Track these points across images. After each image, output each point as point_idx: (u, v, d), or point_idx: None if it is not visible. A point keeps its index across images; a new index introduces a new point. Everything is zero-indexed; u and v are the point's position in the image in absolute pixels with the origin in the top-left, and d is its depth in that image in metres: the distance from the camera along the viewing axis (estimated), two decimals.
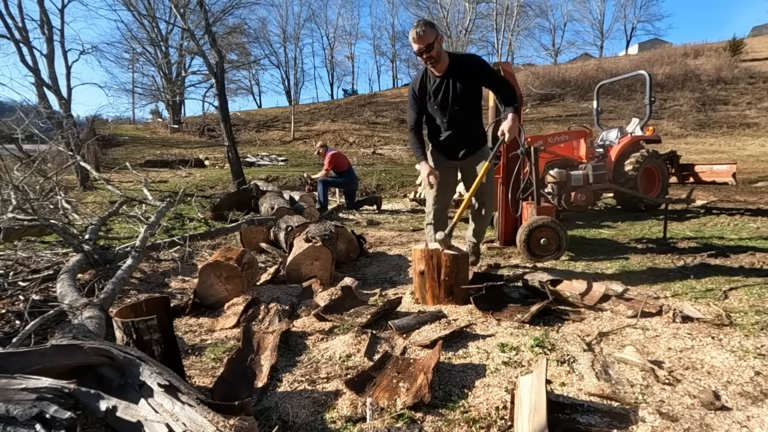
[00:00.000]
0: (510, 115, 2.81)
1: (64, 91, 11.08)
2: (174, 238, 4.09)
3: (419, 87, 2.99)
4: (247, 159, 15.45)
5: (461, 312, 2.48)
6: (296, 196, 7.07)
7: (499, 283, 2.71)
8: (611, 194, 6.51)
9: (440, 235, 2.68)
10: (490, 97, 4.32)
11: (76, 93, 57.25)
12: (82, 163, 7.99)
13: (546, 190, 5.21)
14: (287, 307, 2.62)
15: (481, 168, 2.94)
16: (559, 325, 2.28)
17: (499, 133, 2.84)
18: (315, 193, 7.85)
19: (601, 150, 6.35)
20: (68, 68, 11.76)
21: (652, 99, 6.40)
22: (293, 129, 23.02)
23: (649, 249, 4.02)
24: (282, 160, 16.37)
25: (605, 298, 2.58)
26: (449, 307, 2.57)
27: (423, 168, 2.99)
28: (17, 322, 2.44)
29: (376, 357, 1.95)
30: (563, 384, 1.71)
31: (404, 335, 2.20)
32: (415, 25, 2.76)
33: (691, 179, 7.01)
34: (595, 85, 7.98)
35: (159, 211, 5.02)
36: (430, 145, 3.20)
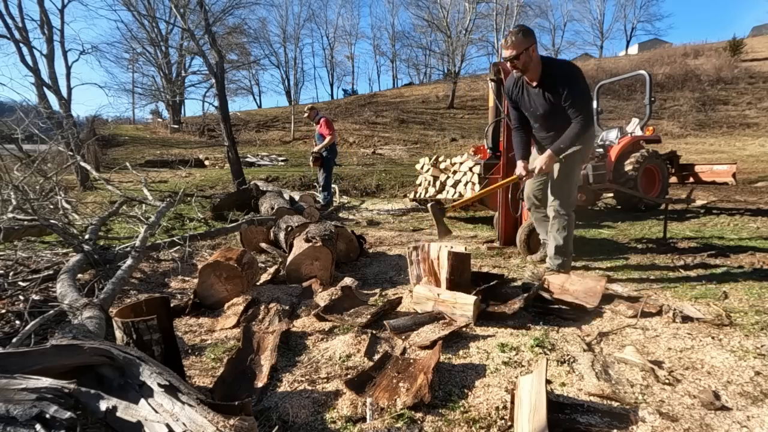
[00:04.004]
0: (548, 152, 2.81)
1: (64, 91, 11.08)
2: (174, 238, 4.09)
3: (512, 88, 2.97)
4: (247, 159, 15.44)
5: None
6: (296, 196, 7.07)
7: (497, 282, 2.71)
8: (611, 194, 6.51)
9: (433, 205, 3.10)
10: (490, 97, 4.32)
11: (76, 93, 57.30)
12: (82, 163, 7.99)
13: None
14: (287, 307, 2.62)
15: (560, 165, 2.94)
16: (559, 325, 2.28)
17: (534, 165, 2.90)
18: (315, 193, 7.81)
19: (601, 150, 6.35)
20: (68, 68, 11.78)
21: (652, 99, 6.40)
22: (293, 129, 23.02)
23: (649, 249, 4.02)
24: (282, 160, 16.37)
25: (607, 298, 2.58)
26: None
27: (517, 167, 3.03)
28: (17, 322, 2.44)
29: (376, 357, 1.95)
30: (563, 384, 1.71)
31: (403, 336, 2.20)
32: (510, 32, 2.72)
33: (691, 179, 7.02)
34: (595, 85, 7.98)
35: (159, 211, 5.02)
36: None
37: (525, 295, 2.40)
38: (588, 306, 2.43)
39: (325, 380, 1.82)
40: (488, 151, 5.56)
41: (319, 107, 7.87)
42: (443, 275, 2.61)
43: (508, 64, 2.75)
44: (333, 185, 8.46)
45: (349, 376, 1.78)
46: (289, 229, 4.01)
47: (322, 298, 2.75)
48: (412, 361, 1.85)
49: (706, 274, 3.13)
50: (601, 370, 1.79)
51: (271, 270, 3.44)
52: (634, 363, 1.82)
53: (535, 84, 2.81)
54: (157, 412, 1.14)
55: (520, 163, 3.03)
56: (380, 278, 3.45)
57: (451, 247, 2.66)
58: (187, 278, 3.58)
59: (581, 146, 2.91)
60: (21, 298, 2.80)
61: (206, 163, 16.57)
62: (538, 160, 2.84)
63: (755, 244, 4.04)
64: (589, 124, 2.75)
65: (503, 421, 1.48)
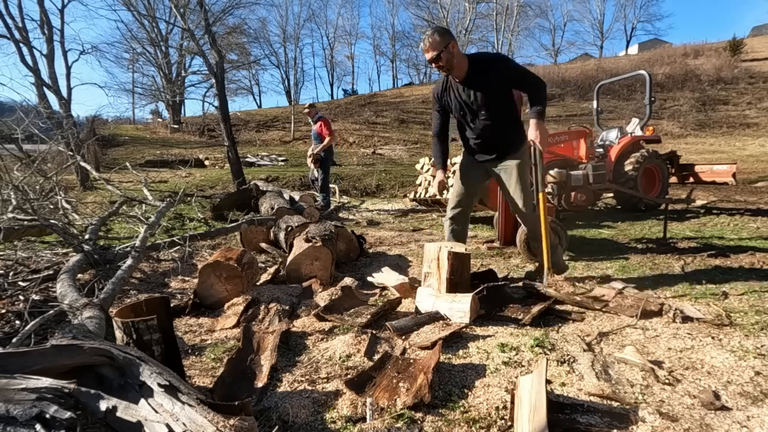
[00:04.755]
0: (533, 122, 2.64)
1: (64, 91, 11.10)
2: (174, 238, 4.09)
3: (440, 93, 2.85)
4: (247, 159, 15.45)
5: None
6: (296, 196, 7.07)
7: (500, 283, 2.70)
8: (611, 194, 6.51)
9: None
10: None
11: (76, 93, 57.32)
12: (82, 163, 8.00)
13: (546, 190, 5.20)
14: (287, 307, 2.62)
15: (512, 174, 2.82)
16: (559, 325, 2.28)
17: (529, 133, 2.71)
18: (315, 193, 7.81)
19: (601, 150, 6.35)
20: (68, 68, 11.81)
21: (652, 99, 6.40)
22: (293, 129, 23.03)
23: (649, 249, 4.02)
24: (282, 160, 16.38)
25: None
26: None
27: (437, 175, 2.98)
28: (17, 322, 2.44)
29: (376, 357, 1.95)
30: (563, 384, 1.71)
31: (403, 336, 2.20)
32: (425, 32, 2.64)
33: (691, 179, 7.01)
34: (595, 85, 7.99)
35: (159, 211, 5.02)
36: (462, 146, 3.08)
37: (543, 305, 2.39)
38: (595, 306, 2.43)
39: (325, 380, 1.82)
40: None
41: (319, 107, 7.82)
42: (443, 275, 2.61)
43: (434, 65, 2.69)
44: (332, 185, 8.45)
45: (349, 376, 1.78)
46: (289, 229, 4.01)
47: (322, 298, 2.75)
48: (412, 361, 1.85)
49: (706, 274, 3.13)
50: (601, 370, 1.79)
51: (271, 270, 3.44)
52: (634, 363, 1.82)
53: (463, 79, 2.71)
54: (157, 412, 1.14)
55: (440, 172, 2.96)
56: None
57: (451, 247, 2.66)
58: (187, 278, 3.58)
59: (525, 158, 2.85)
60: (21, 298, 2.80)
61: (206, 163, 16.57)
62: (535, 135, 2.65)
63: (755, 244, 4.04)
64: (540, 79, 2.70)
65: (503, 421, 1.48)
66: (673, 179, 7.01)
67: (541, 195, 2.79)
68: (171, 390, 1.21)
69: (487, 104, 2.72)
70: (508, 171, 2.84)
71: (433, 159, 3.09)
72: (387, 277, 3.12)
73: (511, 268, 3.55)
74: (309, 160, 7.20)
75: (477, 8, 28.01)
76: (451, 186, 3.19)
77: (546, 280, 2.75)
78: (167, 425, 1.09)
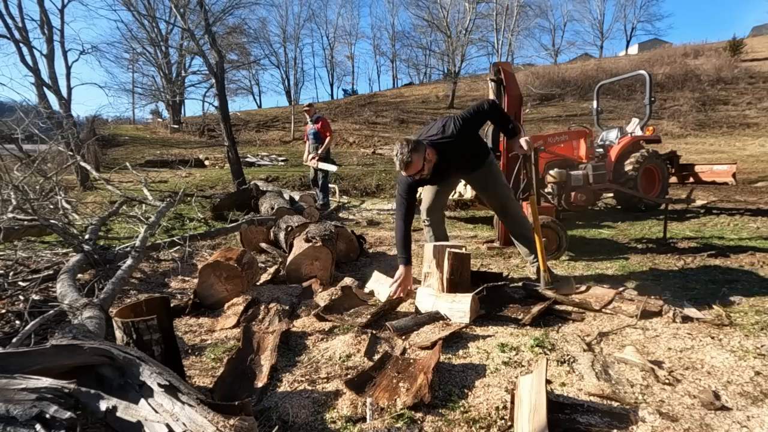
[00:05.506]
0: (515, 139, 2.78)
1: (64, 91, 11.07)
2: (174, 238, 4.09)
3: (417, 183, 2.77)
4: (247, 159, 15.43)
5: None
6: (296, 196, 7.06)
7: (500, 283, 2.70)
8: (611, 194, 6.51)
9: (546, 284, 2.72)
10: (490, 98, 4.31)
11: (76, 93, 57.24)
12: (82, 163, 7.99)
13: (546, 190, 5.21)
14: (287, 307, 2.62)
15: (485, 176, 2.96)
16: (559, 325, 2.28)
17: (516, 150, 2.84)
18: (314, 192, 7.81)
19: (601, 150, 6.35)
20: (68, 68, 11.77)
21: (652, 99, 6.40)
22: (293, 129, 23.01)
23: (649, 249, 4.02)
24: (282, 160, 16.36)
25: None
26: None
27: (399, 272, 2.68)
28: (17, 322, 2.44)
29: (376, 357, 1.95)
30: (563, 384, 1.71)
31: (403, 336, 2.20)
32: (400, 153, 2.50)
33: (691, 179, 7.02)
34: (595, 85, 7.99)
35: (159, 211, 5.02)
36: None
37: (543, 305, 2.40)
38: (594, 306, 2.43)
39: (325, 380, 1.82)
40: None
41: (318, 107, 7.88)
42: (443, 275, 2.61)
43: (416, 177, 2.64)
44: (332, 185, 8.45)
45: (349, 376, 1.78)
46: (289, 229, 4.01)
47: (322, 298, 2.75)
48: (412, 361, 1.85)
49: (706, 274, 3.13)
50: (601, 370, 1.79)
51: (271, 270, 3.44)
52: (634, 363, 1.82)
53: (437, 162, 2.68)
54: (157, 412, 1.14)
55: (406, 269, 2.67)
56: None
57: (451, 248, 2.66)
58: (187, 278, 3.58)
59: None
60: (21, 298, 2.80)
61: (206, 163, 16.56)
62: (522, 144, 2.75)
63: (755, 244, 4.04)
64: (490, 104, 2.80)
65: (503, 421, 1.48)
66: (673, 179, 7.01)
67: (531, 198, 2.86)
68: (171, 390, 1.21)
69: (466, 159, 2.82)
70: (482, 175, 2.96)
71: (397, 249, 2.78)
72: (378, 286, 2.95)
73: (511, 268, 3.55)
74: (310, 162, 7.20)
75: (477, 8, 27.94)
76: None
77: (543, 282, 2.75)
78: (167, 425, 1.09)
